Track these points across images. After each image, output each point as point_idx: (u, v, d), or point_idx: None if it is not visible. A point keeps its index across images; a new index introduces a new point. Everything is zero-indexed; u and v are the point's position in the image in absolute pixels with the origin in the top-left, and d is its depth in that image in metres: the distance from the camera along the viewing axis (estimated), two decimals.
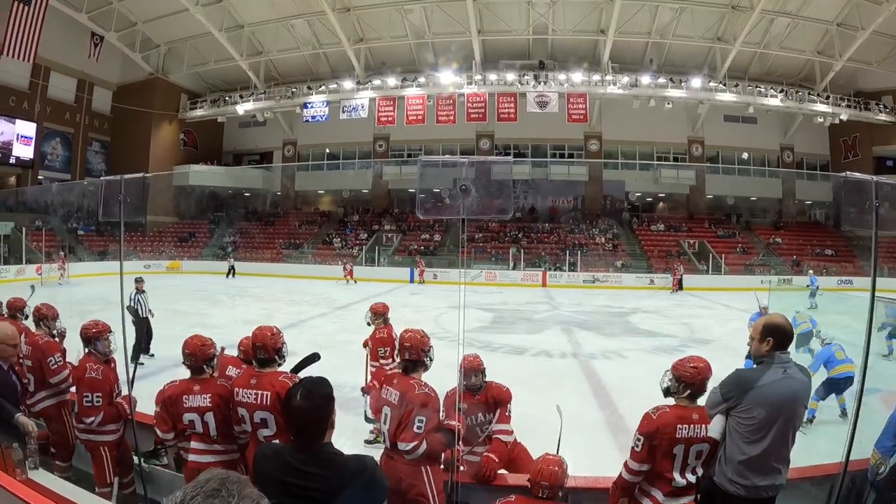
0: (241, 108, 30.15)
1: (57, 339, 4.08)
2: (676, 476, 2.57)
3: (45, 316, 4.13)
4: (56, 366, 3.73)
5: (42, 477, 2.74)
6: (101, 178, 3.35)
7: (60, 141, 30.86)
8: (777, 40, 26.78)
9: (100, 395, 3.28)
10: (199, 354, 3.01)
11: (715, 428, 2.51)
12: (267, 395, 2.74)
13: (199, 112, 31.62)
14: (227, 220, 33.59)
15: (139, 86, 31.20)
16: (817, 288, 18.18)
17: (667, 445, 2.55)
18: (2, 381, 3.06)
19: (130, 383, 3.53)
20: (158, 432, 3.05)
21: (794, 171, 30.88)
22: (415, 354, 2.91)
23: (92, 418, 3.27)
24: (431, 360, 3.02)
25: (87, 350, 3.47)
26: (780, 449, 2.43)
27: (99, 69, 30.53)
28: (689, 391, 2.63)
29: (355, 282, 24.02)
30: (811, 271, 20.99)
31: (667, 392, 2.70)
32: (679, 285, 23.40)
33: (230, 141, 34.86)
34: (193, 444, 2.97)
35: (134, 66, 30.70)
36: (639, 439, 2.60)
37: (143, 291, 8.73)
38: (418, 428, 2.66)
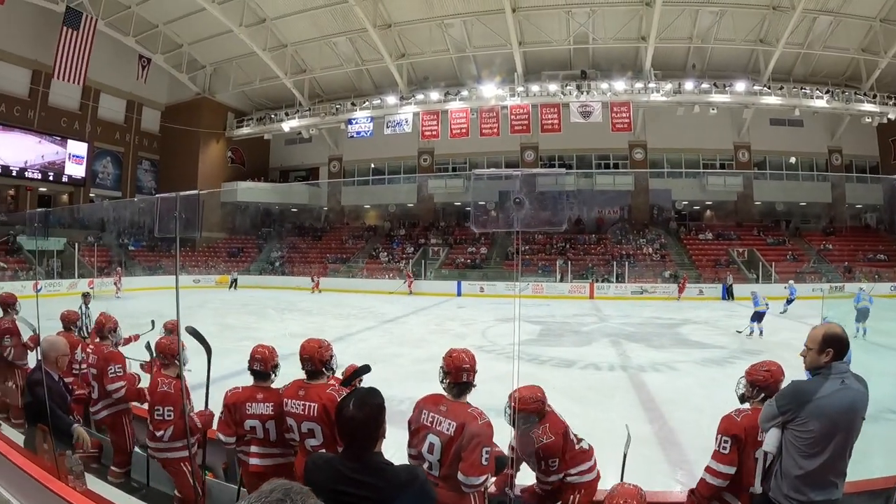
0: (287, 126, 30.73)
1: (114, 348, 4.23)
2: (757, 483, 2.53)
3: (106, 327, 4.29)
4: (114, 375, 3.89)
5: (96, 485, 2.86)
6: (156, 195, 3.45)
7: (111, 160, 31.90)
8: (820, 40, 26.25)
9: (171, 408, 3.34)
10: (268, 361, 3.12)
11: (771, 442, 2.43)
12: (314, 406, 2.79)
13: (245, 130, 32.32)
14: (275, 235, 34.25)
15: (187, 105, 32.07)
16: (794, 298, 18.95)
17: (751, 448, 2.56)
18: (54, 391, 3.23)
19: (206, 398, 3.60)
20: (221, 437, 3.14)
21: (843, 175, 30.25)
22: (464, 376, 2.71)
23: (162, 431, 3.35)
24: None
25: (160, 365, 3.57)
26: (837, 463, 2.33)
27: (147, 90, 31.52)
28: (763, 395, 2.65)
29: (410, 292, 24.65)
30: (791, 280, 21.11)
31: (742, 398, 2.74)
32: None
33: (277, 158, 35.57)
34: (253, 449, 3.07)
35: (181, 86, 31.55)
36: (725, 441, 2.58)
37: (88, 307, 9.10)
38: (486, 461, 2.48)
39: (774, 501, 2.41)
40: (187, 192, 2.94)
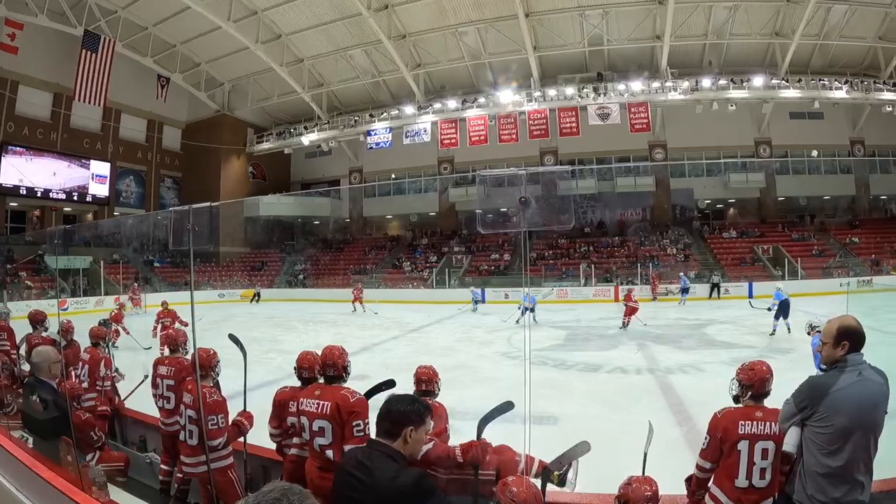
0: (306, 139, 31.02)
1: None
2: (741, 475, 2.62)
3: (181, 342, 4.41)
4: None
5: (120, 496, 3.02)
6: (170, 208, 3.60)
7: (134, 178, 32.42)
8: (836, 29, 25.87)
9: (223, 416, 3.48)
10: (312, 367, 3.38)
11: (790, 441, 2.43)
12: (328, 405, 2.92)
13: (265, 145, 32.69)
14: (297, 247, 34.62)
15: (206, 123, 32.51)
16: (687, 288, 21.31)
17: (731, 441, 2.64)
18: (51, 398, 3.50)
19: (244, 400, 3.83)
20: (269, 428, 3.55)
21: (865, 163, 29.75)
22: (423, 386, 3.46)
23: (219, 440, 3.45)
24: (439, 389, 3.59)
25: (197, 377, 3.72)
26: (861, 459, 2.28)
27: (167, 109, 31.99)
28: (749, 392, 2.75)
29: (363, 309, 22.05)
30: (681, 273, 22.10)
31: (736, 399, 2.85)
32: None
33: (298, 171, 35.93)
34: (295, 440, 3.35)
35: (200, 104, 31.97)
36: (706, 438, 2.76)
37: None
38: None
39: (799, 503, 2.38)
40: (200, 205, 3.01)
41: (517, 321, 16.49)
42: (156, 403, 4.26)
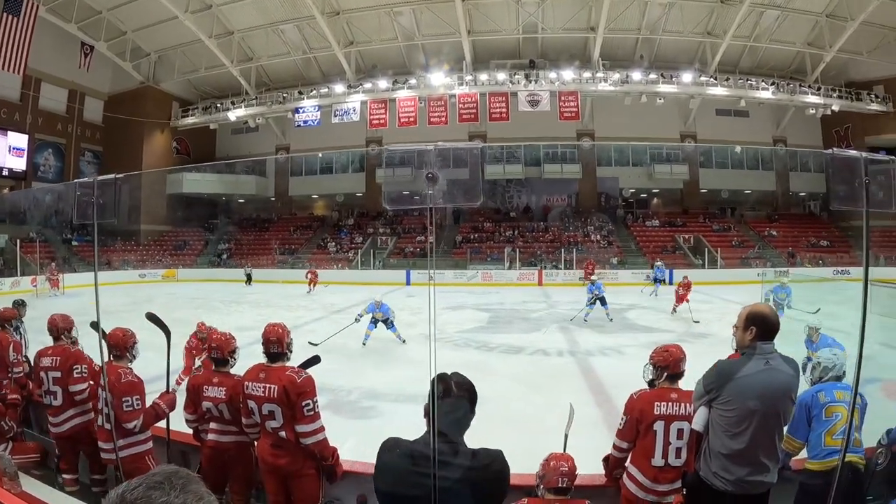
0: (233, 115, 30.07)
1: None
2: (657, 455, 2.70)
3: (62, 328, 4.02)
4: (80, 375, 3.71)
5: (35, 488, 2.73)
6: (74, 180, 3.33)
7: (53, 152, 30.79)
8: (767, 33, 26.83)
9: (138, 397, 3.32)
10: (224, 348, 3.32)
11: (698, 420, 2.49)
12: (275, 388, 2.87)
13: (190, 119, 31.55)
14: (221, 227, 33.54)
15: (131, 95, 31.14)
16: (663, 279, 20.39)
17: (647, 422, 2.71)
18: None
19: (167, 381, 3.68)
20: (185, 414, 3.41)
21: (786, 161, 30.92)
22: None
23: (134, 422, 3.28)
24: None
25: (111, 358, 3.46)
26: (765, 444, 2.36)
27: (90, 79, 30.51)
28: (665, 374, 2.80)
29: (314, 287, 22.39)
30: (658, 262, 21.99)
31: (651, 384, 2.88)
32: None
33: (223, 148, 34.80)
34: (212, 426, 3.28)
35: (125, 75, 30.62)
36: (623, 418, 2.83)
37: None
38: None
39: (705, 480, 2.44)
40: (105, 177, 2.95)
41: (585, 318, 13.59)
42: (43, 401, 3.82)
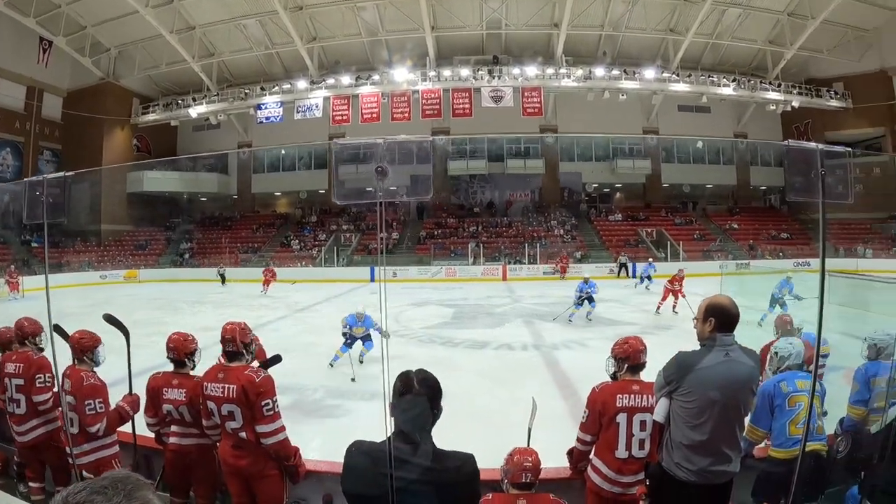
0: (194, 112, 29.61)
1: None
2: (621, 447, 2.73)
3: (29, 333, 3.82)
4: (43, 385, 3.58)
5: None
6: (24, 179, 3.27)
7: (10, 150, 30.01)
8: (729, 31, 27.27)
9: (101, 400, 3.24)
10: (180, 349, 3.26)
11: (659, 412, 2.50)
12: (233, 388, 2.82)
13: (151, 116, 30.99)
14: (182, 225, 33.03)
15: (90, 91, 30.47)
16: (650, 276, 19.24)
17: (609, 415, 2.76)
18: None
19: (129, 382, 3.57)
20: (146, 418, 3.31)
21: (747, 156, 31.43)
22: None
23: (97, 426, 3.21)
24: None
25: (75, 361, 3.38)
26: (726, 435, 2.35)
27: (48, 75, 29.82)
28: (626, 365, 2.86)
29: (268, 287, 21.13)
30: (650, 260, 21.81)
31: (613, 377, 2.92)
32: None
33: (185, 145, 34.24)
34: (174, 428, 3.25)
35: (84, 71, 30.00)
36: (585, 412, 2.87)
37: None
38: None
39: (668, 471, 2.44)
40: (54, 175, 2.93)
41: (570, 318, 12.95)
42: (5, 409, 3.66)
